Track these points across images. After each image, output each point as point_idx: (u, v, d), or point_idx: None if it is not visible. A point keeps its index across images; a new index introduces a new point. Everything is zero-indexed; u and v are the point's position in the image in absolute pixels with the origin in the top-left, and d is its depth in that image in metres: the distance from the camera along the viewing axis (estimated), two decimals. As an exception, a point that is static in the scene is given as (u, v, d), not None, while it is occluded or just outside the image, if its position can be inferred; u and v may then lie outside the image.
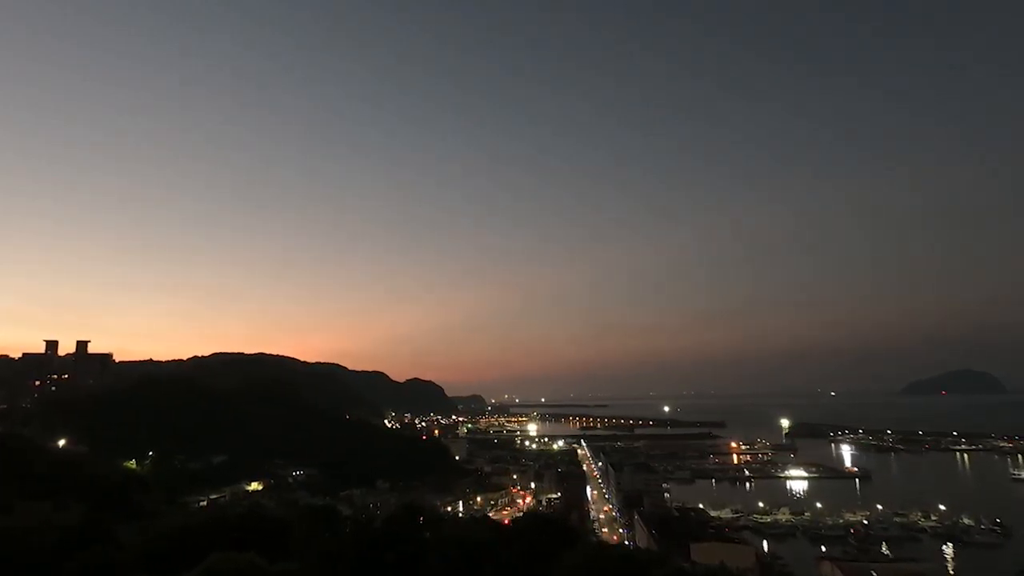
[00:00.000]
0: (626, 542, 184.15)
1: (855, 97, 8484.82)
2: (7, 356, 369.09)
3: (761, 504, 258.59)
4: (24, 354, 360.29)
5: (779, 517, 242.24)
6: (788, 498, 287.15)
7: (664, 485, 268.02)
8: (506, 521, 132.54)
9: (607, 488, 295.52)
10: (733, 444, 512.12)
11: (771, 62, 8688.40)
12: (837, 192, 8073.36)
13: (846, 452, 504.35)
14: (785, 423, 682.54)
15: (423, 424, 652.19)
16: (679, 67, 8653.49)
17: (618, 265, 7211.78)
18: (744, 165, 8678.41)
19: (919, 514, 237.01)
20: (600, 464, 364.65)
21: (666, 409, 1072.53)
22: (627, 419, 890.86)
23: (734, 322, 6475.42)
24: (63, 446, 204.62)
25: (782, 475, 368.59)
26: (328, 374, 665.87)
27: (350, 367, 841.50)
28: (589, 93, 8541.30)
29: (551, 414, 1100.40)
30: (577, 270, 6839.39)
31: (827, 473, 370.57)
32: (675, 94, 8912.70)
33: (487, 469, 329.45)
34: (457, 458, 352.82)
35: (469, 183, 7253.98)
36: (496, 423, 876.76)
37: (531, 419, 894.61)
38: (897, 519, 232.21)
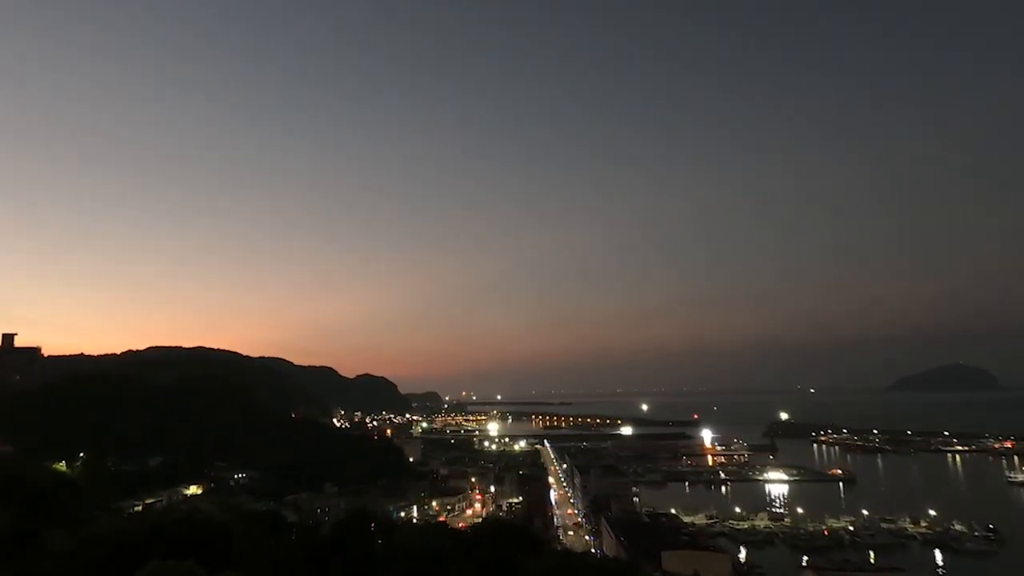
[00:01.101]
0: (593, 550, 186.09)
1: (817, 79, 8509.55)
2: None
3: (738, 509, 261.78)
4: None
5: (757, 523, 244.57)
6: (767, 503, 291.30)
7: (634, 489, 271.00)
8: (464, 527, 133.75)
9: (572, 492, 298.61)
10: (708, 445, 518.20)
11: (725, 40, 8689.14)
12: (800, 175, 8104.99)
13: (829, 453, 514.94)
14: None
15: (375, 423, 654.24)
16: (638, 46, 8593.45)
17: (567, 252, 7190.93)
18: (702, 146, 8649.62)
19: (908, 520, 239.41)
20: (565, 466, 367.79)
21: (644, 408, 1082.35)
22: (593, 418, 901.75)
23: (695, 314, 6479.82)
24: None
25: (760, 478, 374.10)
26: (272, 369, 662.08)
27: (296, 362, 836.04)
28: (536, 74, 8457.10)
29: (512, 412, 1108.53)
30: (525, 256, 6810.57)
31: (809, 476, 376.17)
32: (628, 73, 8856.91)
33: (443, 472, 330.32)
34: (411, 460, 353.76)
35: (411, 166, 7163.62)
36: (453, 422, 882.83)
37: (491, 418, 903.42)
38: (884, 525, 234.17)
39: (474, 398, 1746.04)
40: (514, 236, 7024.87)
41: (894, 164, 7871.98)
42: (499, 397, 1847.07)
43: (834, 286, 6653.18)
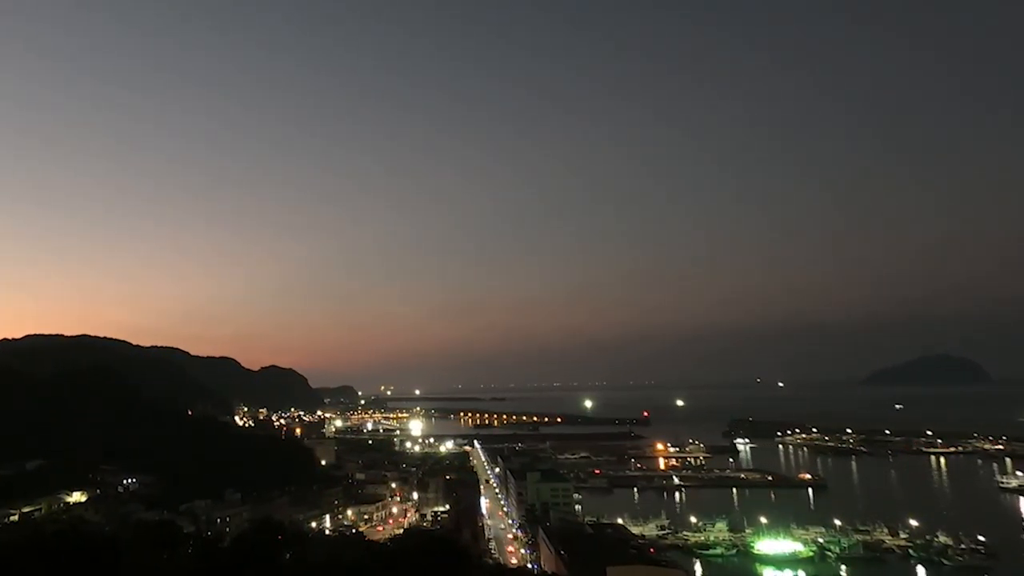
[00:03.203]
0: (529, 564, 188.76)
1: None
2: None
3: (693, 519, 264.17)
4: None
5: (715, 534, 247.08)
6: (726, 511, 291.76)
7: (576, 495, 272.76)
8: (383, 539, 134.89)
9: (506, 499, 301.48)
10: (659, 445, 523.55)
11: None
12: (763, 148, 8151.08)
13: (797, 455, 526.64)
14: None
15: (282, 421, 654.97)
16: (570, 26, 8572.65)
17: (461, 228, 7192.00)
18: (611, 115, 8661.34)
19: (885, 531, 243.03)
20: (498, 470, 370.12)
21: (589, 404, 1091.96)
22: (530, 415, 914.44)
23: (629, 296, 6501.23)
24: None
25: (719, 483, 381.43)
26: (166, 360, 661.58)
27: (193, 352, 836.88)
28: (428, 36, 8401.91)
29: (437, 409, 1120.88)
30: (420, 235, 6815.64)
31: (774, 481, 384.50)
32: (524, 36, 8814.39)
33: (360, 476, 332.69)
34: (324, 463, 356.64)
35: (292, 141, 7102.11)
36: (371, 419, 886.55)
37: (414, 415, 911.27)
38: (858, 536, 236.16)
39: (389, 393, 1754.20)
40: (400, 211, 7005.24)
41: (830, 130, 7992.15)
42: (418, 392, 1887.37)
43: (791, 267, 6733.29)
